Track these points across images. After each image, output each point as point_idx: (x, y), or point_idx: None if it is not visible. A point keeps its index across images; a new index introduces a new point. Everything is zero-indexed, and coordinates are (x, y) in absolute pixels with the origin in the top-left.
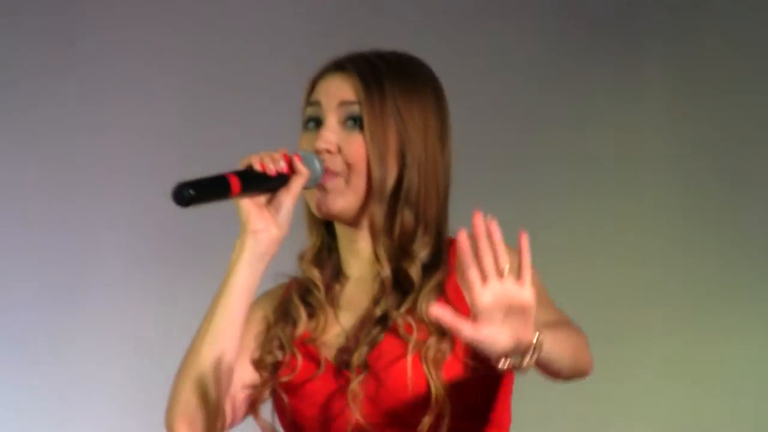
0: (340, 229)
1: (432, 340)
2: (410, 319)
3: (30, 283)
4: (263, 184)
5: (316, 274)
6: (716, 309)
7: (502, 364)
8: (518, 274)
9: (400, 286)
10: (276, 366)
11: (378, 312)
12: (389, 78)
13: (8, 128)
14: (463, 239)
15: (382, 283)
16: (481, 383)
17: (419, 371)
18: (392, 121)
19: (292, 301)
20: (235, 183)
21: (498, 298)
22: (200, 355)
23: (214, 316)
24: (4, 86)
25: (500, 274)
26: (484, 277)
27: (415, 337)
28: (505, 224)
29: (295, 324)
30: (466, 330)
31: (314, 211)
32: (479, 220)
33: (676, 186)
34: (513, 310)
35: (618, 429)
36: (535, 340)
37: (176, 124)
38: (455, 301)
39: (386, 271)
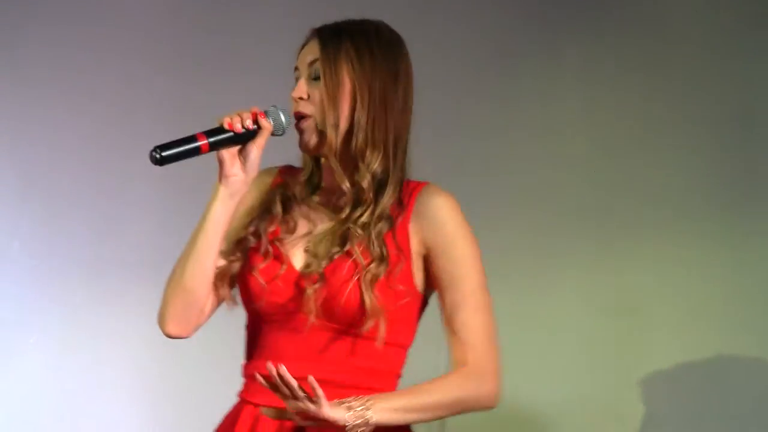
0: (320, 159)
1: (372, 266)
2: (363, 243)
3: None
4: (230, 140)
5: (298, 190)
6: None
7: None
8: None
9: (357, 200)
10: (247, 251)
11: (339, 230)
12: (346, 36)
13: None
14: (260, 379)
15: (347, 199)
16: (401, 305)
17: (356, 288)
18: (344, 69)
19: (273, 199)
20: (203, 141)
21: (297, 412)
22: (185, 270)
23: (196, 240)
24: None
25: (298, 398)
26: (284, 398)
27: (363, 263)
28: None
29: (271, 220)
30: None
31: (300, 148)
32: (271, 368)
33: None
34: (314, 419)
35: None
36: (348, 427)
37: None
38: (401, 241)
39: (345, 183)
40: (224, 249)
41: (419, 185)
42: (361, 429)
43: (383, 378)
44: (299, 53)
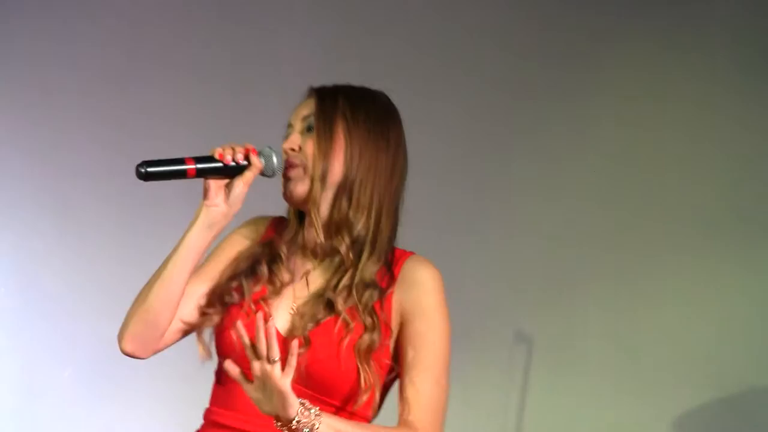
0: (305, 213)
1: (366, 335)
2: (351, 310)
3: None
4: (217, 170)
5: (284, 250)
6: None
7: (277, 425)
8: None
9: (341, 264)
10: (228, 307)
11: (324, 296)
12: (343, 97)
13: None
14: (239, 329)
15: (332, 261)
16: (387, 377)
17: (351, 357)
18: (338, 128)
19: (259, 261)
20: (191, 166)
21: (262, 374)
22: (150, 292)
23: (167, 265)
24: None
25: (270, 361)
26: (257, 357)
27: (352, 328)
28: None
29: (256, 281)
30: (245, 386)
31: (283, 197)
32: (260, 320)
33: None
34: (272, 390)
35: None
36: (296, 420)
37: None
38: (387, 315)
39: (320, 239)
40: (203, 303)
41: (405, 254)
42: (303, 430)
43: None
44: (294, 111)
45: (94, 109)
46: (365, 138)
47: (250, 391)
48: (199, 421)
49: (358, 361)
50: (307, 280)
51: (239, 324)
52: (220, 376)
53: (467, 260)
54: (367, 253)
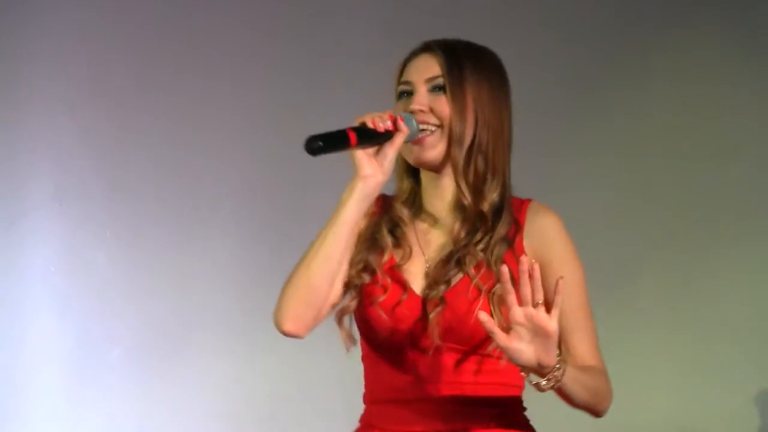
0: (427, 176)
1: (497, 287)
2: (482, 267)
3: None
4: (373, 138)
5: (405, 212)
6: None
7: (524, 375)
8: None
9: (474, 224)
10: (361, 287)
11: (456, 254)
12: (466, 56)
13: None
14: (504, 271)
15: (461, 221)
16: None
17: (486, 308)
18: (468, 89)
19: (379, 232)
20: (352, 137)
21: (528, 319)
22: (310, 269)
23: (326, 239)
24: None
25: (534, 305)
26: (520, 302)
27: (485, 285)
28: None
29: (382, 252)
30: (499, 338)
31: (412, 161)
32: (524, 260)
33: None
34: (539, 334)
35: None
36: (556, 366)
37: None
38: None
39: (468, 200)
40: (338, 289)
41: (524, 202)
42: (551, 386)
43: (508, 391)
44: (405, 66)
45: (147, 94)
46: (491, 97)
47: (506, 341)
48: (241, 395)
49: (492, 309)
50: (432, 241)
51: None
52: (371, 357)
53: None
54: (501, 213)
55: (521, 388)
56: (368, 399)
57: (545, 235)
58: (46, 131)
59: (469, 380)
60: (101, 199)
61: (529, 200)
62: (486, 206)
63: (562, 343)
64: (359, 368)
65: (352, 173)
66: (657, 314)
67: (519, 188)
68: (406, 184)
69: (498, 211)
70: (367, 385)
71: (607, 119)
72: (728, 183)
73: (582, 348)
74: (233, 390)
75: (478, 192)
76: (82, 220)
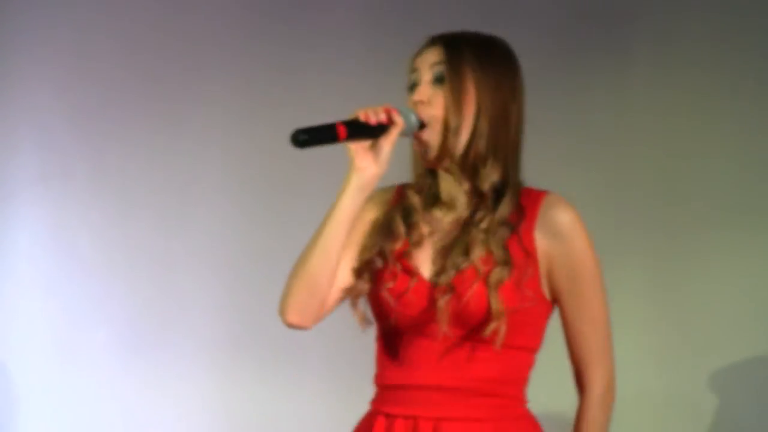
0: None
1: (496, 269)
2: (486, 250)
3: None
4: (365, 131)
5: (417, 200)
6: None
7: None
8: None
9: (477, 205)
10: (374, 273)
11: (462, 239)
12: (468, 46)
13: None
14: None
15: (464, 205)
16: (528, 308)
17: (483, 292)
18: (469, 78)
19: (394, 219)
20: (342, 130)
21: None
22: (309, 262)
23: (323, 231)
24: None
25: None
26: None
27: (483, 269)
28: None
29: (395, 239)
30: None
31: (425, 166)
32: None
33: None
34: None
35: None
36: None
37: None
38: (528, 246)
39: (465, 185)
40: (354, 267)
41: (540, 194)
42: None
43: (512, 383)
44: (416, 58)
45: (133, 74)
46: (496, 88)
47: None
48: (225, 380)
49: (488, 293)
50: (443, 228)
51: None
52: (384, 339)
53: None
54: (503, 196)
55: (526, 379)
56: (377, 381)
57: (560, 231)
58: (31, 112)
59: (474, 369)
60: (86, 180)
61: (545, 192)
62: (486, 185)
63: (572, 339)
64: (358, 342)
65: (344, 162)
66: (640, 296)
67: None
68: (424, 176)
69: (499, 192)
70: (377, 368)
71: (588, 104)
72: (709, 167)
73: (590, 348)
74: (221, 368)
75: (476, 172)
76: (67, 202)
